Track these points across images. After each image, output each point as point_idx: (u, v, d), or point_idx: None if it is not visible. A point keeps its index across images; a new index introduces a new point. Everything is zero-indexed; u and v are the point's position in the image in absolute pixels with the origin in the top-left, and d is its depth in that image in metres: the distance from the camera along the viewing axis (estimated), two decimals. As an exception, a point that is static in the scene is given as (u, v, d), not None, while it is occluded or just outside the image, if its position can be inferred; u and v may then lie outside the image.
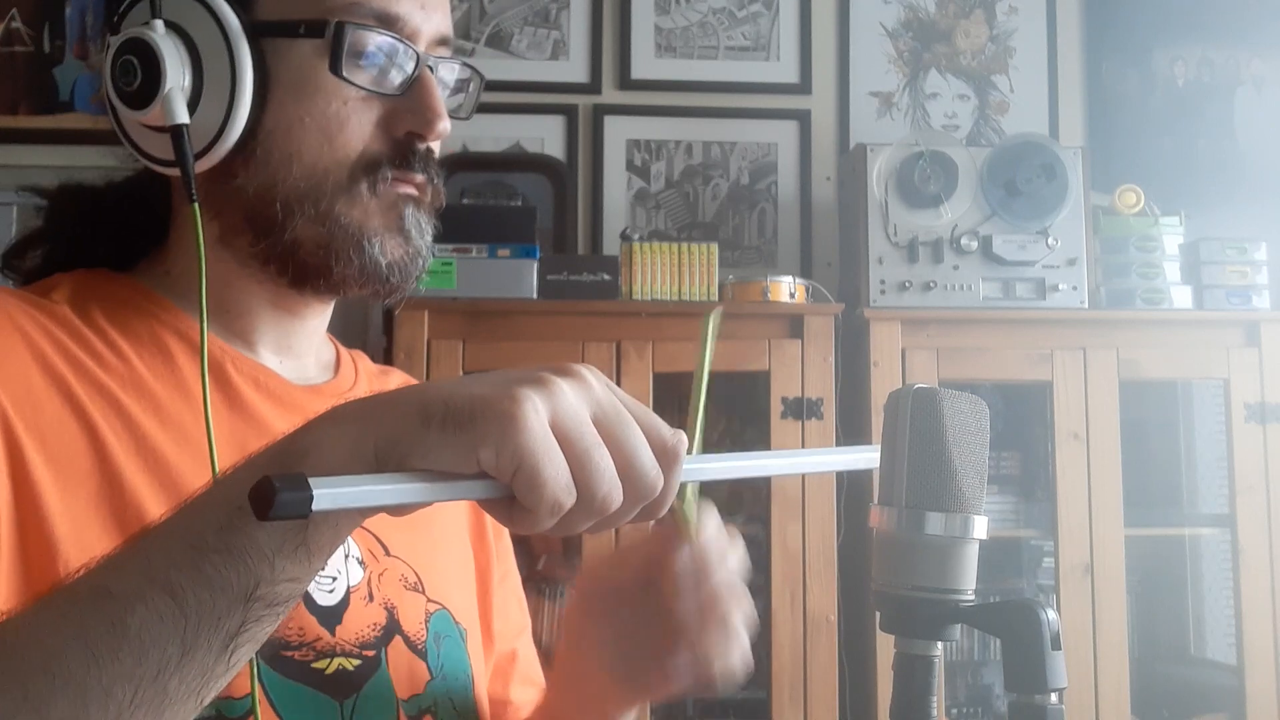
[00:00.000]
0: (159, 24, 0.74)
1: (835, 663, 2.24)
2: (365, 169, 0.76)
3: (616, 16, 2.78)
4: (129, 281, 0.80)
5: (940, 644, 0.59)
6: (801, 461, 0.70)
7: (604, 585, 0.77)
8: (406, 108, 0.77)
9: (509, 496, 0.51)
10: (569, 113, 2.74)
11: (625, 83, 2.77)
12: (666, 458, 0.54)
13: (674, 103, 2.77)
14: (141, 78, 0.74)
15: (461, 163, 2.60)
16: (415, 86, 0.78)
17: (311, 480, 0.46)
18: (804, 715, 2.22)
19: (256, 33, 0.74)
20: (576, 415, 0.52)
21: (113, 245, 0.82)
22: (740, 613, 0.72)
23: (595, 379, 0.54)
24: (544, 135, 2.73)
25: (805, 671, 2.23)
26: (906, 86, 2.84)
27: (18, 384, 0.67)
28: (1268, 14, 2.87)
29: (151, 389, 0.73)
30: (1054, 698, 0.56)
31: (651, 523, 0.74)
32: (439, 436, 0.50)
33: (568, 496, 0.51)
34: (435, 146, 0.81)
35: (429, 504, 0.53)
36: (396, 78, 0.77)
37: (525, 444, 0.49)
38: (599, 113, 2.75)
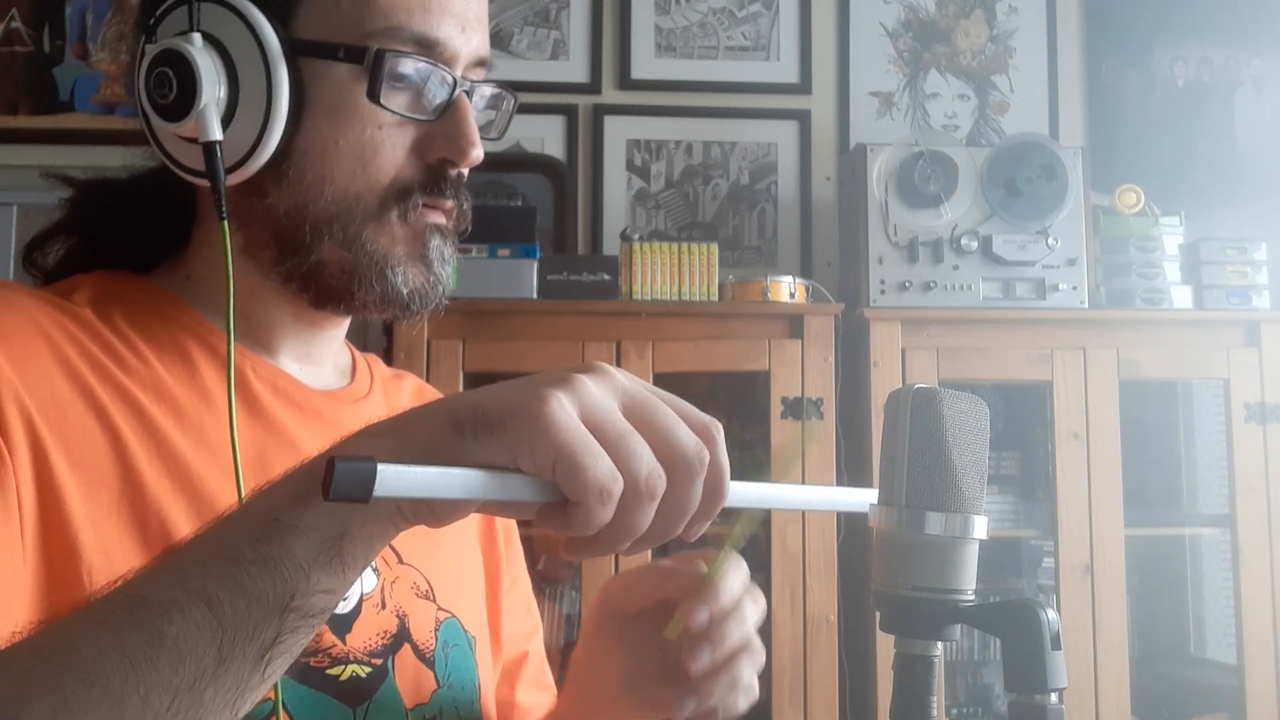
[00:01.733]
0: (197, 37, 0.73)
1: (835, 663, 2.24)
2: (397, 196, 0.76)
3: (616, 16, 2.78)
4: (150, 285, 0.80)
5: (940, 644, 0.59)
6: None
7: (621, 609, 0.78)
8: (441, 133, 0.77)
9: (560, 498, 0.51)
10: (569, 113, 2.74)
11: (625, 83, 2.77)
12: (706, 434, 0.55)
13: (674, 103, 2.77)
14: (177, 91, 0.73)
15: (461, 163, 2.59)
16: (450, 112, 0.77)
17: (379, 467, 0.47)
18: (804, 715, 2.22)
19: (294, 51, 0.73)
20: (605, 406, 0.53)
21: (134, 246, 0.82)
22: (751, 668, 0.73)
23: (619, 373, 0.55)
24: (544, 135, 2.73)
25: (805, 671, 2.23)
26: (906, 86, 2.84)
27: (42, 387, 0.67)
28: (1268, 14, 2.87)
29: (173, 394, 0.73)
30: (1054, 698, 0.56)
31: (672, 562, 0.76)
32: (473, 443, 0.51)
33: (613, 482, 0.51)
34: (465, 170, 0.80)
35: (481, 502, 0.53)
36: (432, 102, 0.77)
37: (557, 436, 0.50)
38: (599, 113, 2.75)
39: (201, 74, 0.72)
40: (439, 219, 0.79)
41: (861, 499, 0.64)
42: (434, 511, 0.54)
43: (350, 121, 0.75)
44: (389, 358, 2.21)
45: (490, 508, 0.55)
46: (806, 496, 0.66)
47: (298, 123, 0.74)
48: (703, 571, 0.72)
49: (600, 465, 0.51)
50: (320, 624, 0.54)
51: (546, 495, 0.52)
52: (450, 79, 0.77)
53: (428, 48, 0.75)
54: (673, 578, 0.74)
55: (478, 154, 0.78)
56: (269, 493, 0.54)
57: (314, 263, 0.76)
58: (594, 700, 0.81)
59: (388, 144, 0.76)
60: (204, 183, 0.74)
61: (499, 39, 2.75)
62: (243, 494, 0.68)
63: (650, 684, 0.75)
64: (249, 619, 0.51)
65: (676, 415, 0.54)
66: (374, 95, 0.74)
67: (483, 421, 0.51)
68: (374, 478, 0.46)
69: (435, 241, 0.78)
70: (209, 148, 0.72)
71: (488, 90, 0.82)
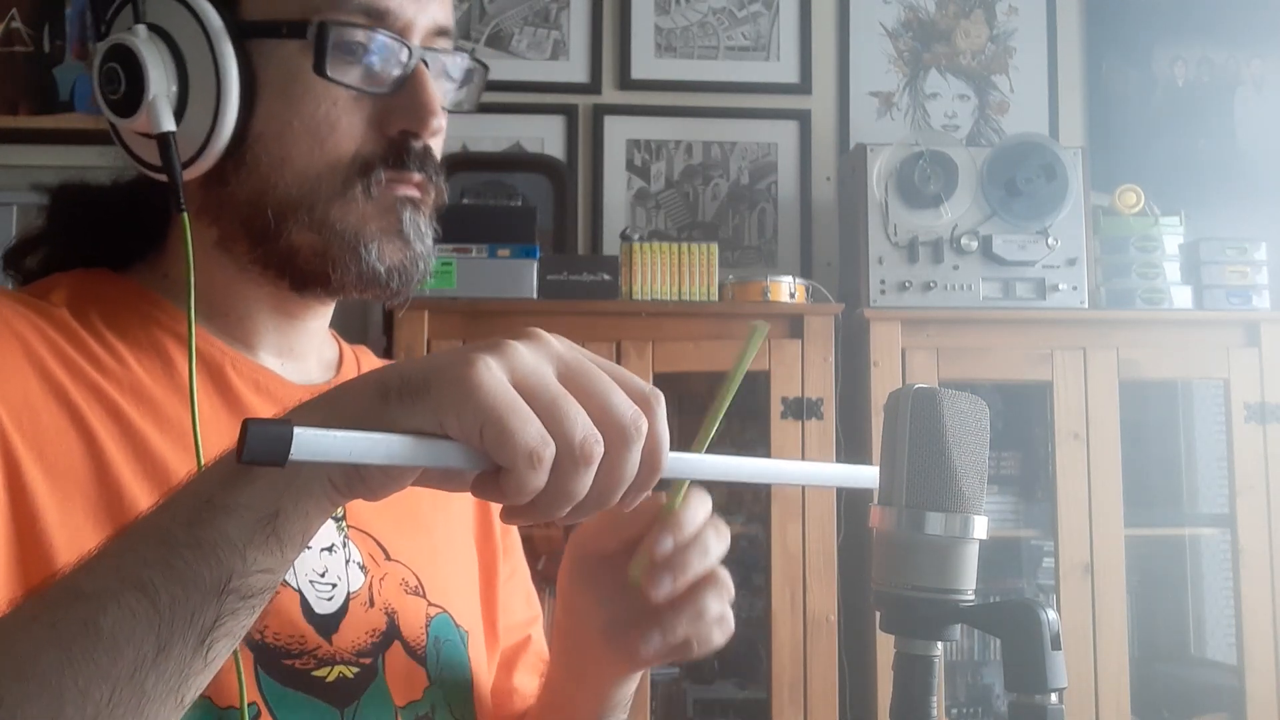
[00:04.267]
0: (141, 29, 0.73)
1: (835, 663, 2.24)
2: (359, 172, 0.74)
3: (616, 16, 2.78)
4: (128, 283, 0.79)
5: (940, 644, 0.59)
6: (800, 473, 0.69)
7: (590, 552, 0.76)
8: (399, 105, 0.75)
9: (492, 465, 0.50)
10: (569, 113, 2.74)
11: (625, 83, 2.77)
12: (645, 402, 0.54)
13: (674, 103, 2.77)
14: (126, 85, 0.73)
15: (461, 163, 2.60)
16: (408, 83, 0.75)
17: (295, 429, 0.46)
18: (804, 715, 2.22)
19: (241, 34, 0.72)
20: (536, 370, 0.52)
21: (113, 244, 0.81)
22: (718, 599, 0.72)
23: (556, 339, 0.54)
24: (544, 135, 2.73)
25: (805, 671, 2.23)
26: (906, 86, 2.84)
27: (15, 393, 0.66)
28: (1268, 14, 2.87)
29: (150, 394, 0.72)
30: (1054, 698, 0.56)
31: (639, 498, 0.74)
32: (399, 409, 0.50)
33: (543, 446, 0.50)
34: (435, 144, 0.78)
35: (415, 471, 0.52)
36: (388, 74, 0.75)
37: (484, 400, 0.49)
38: (599, 113, 2.75)
39: (147, 64, 0.72)
40: (409, 192, 0.76)
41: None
42: (366, 483, 0.52)
43: (303, 100, 0.73)
44: (389, 357, 2.20)
45: (429, 478, 0.54)
46: (753, 469, 0.64)
47: (251, 107, 0.73)
48: (663, 503, 0.71)
49: (529, 429, 0.49)
50: (263, 604, 0.54)
51: (477, 462, 0.50)
52: (405, 49, 0.75)
53: (377, 18, 0.74)
54: (635, 514, 0.71)
55: (438, 123, 0.76)
56: (202, 477, 0.54)
57: (285, 248, 0.75)
58: (578, 656, 0.80)
59: (344, 119, 0.74)
60: (165, 177, 0.73)
61: (499, 39, 2.75)
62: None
63: (628, 629, 0.73)
64: (186, 604, 0.51)
65: (613, 382, 0.53)
66: (320, 69, 0.72)
67: (408, 388, 0.50)
68: (290, 440, 0.45)
69: (408, 214, 0.76)
70: (161, 139, 0.72)
71: (454, 61, 0.80)
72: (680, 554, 0.70)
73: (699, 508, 0.72)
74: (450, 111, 0.80)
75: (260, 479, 0.52)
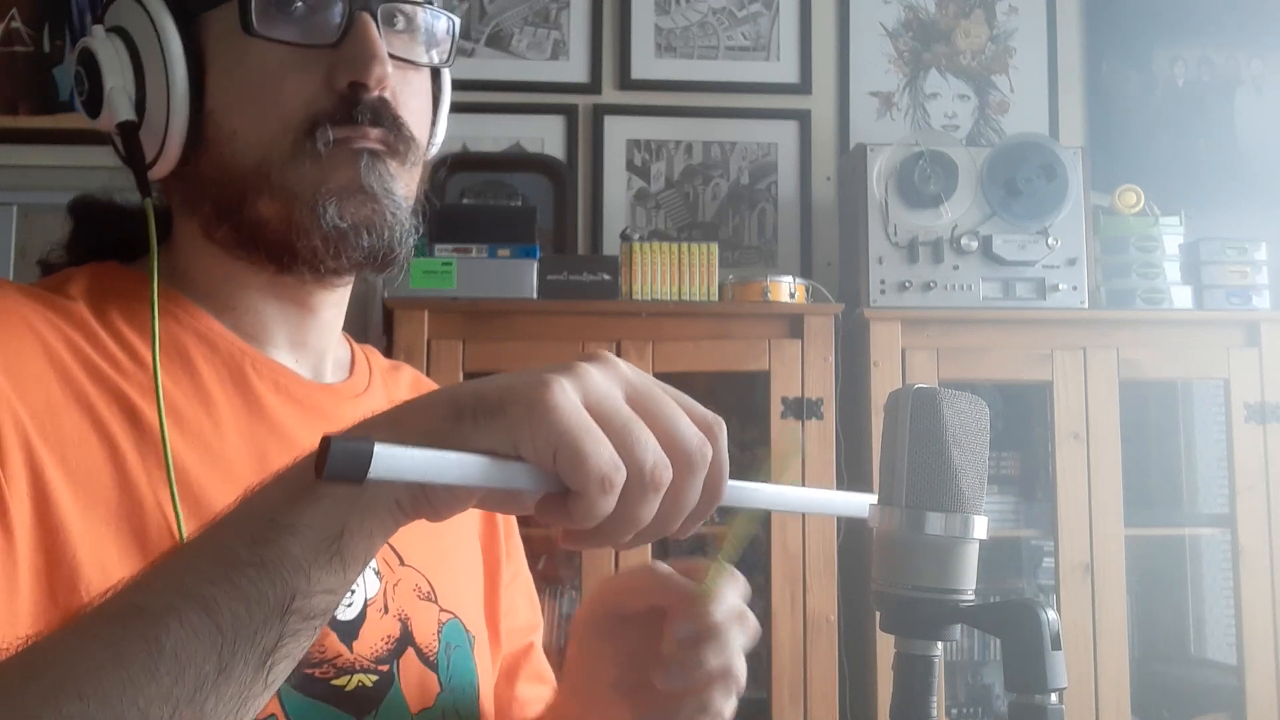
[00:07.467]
0: (98, 29, 0.74)
1: (835, 663, 2.24)
2: (307, 130, 0.72)
3: (616, 16, 2.78)
4: (141, 276, 0.77)
5: (940, 644, 0.59)
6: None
7: (611, 609, 0.76)
8: (344, 57, 0.72)
9: (562, 489, 0.50)
10: (569, 113, 2.74)
11: (625, 83, 2.77)
12: (709, 429, 0.53)
13: (674, 103, 2.77)
14: (89, 85, 0.74)
15: (461, 163, 2.59)
16: (349, 32, 0.73)
17: (375, 447, 0.45)
18: (804, 715, 2.22)
19: (186, 14, 0.72)
20: (609, 394, 0.51)
21: (122, 238, 0.80)
22: (725, 696, 0.70)
23: (623, 363, 0.54)
24: (544, 135, 2.72)
25: (805, 671, 2.23)
26: (906, 86, 2.84)
27: (38, 396, 0.65)
28: (1268, 14, 2.87)
29: (171, 398, 0.71)
30: (1054, 698, 0.56)
31: (662, 567, 0.73)
32: (473, 429, 0.49)
33: (615, 471, 0.49)
34: (404, 97, 0.76)
35: (481, 492, 0.52)
36: (330, 26, 0.73)
37: (559, 422, 0.49)
38: (599, 113, 2.75)
39: (101, 59, 0.73)
40: (367, 144, 0.74)
41: (859, 503, 0.63)
42: (432, 503, 0.52)
43: (244, 65, 0.72)
44: (388, 357, 2.20)
45: (490, 500, 0.53)
46: (804, 498, 0.64)
47: (203, 86, 0.72)
48: (696, 587, 0.70)
49: (603, 453, 0.49)
50: (322, 625, 0.52)
51: (547, 485, 0.50)
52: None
53: None
54: (668, 586, 0.71)
55: (381, 70, 0.72)
56: (263, 493, 0.53)
57: (251, 222, 0.73)
58: (589, 697, 0.79)
59: (291, 78, 0.72)
60: (161, 172, 0.74)
61: (499, 39, 2.75)
62: (175, 490, 0.67)
63: (639, 690, 0.72)
64: (249, 623, 0.49)
65: (680, 408, 0.53)
66: (248, 26, 0.71)
67: (483, 407, 0.50)
68: (370, 457, 0.45)
69: (365, 163, 0.73)
70: (120, 130, 0.73)
71: (417, 14, 0.78)
72: (697, 649, 0.69)
73: (729, 598, 0.70)
74: (416, 64, 0.78)
75: (325, 498, 0.50)
